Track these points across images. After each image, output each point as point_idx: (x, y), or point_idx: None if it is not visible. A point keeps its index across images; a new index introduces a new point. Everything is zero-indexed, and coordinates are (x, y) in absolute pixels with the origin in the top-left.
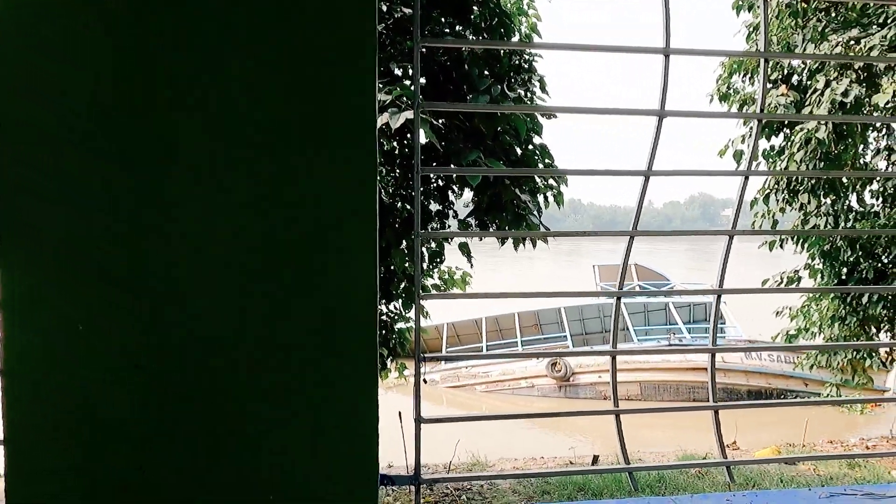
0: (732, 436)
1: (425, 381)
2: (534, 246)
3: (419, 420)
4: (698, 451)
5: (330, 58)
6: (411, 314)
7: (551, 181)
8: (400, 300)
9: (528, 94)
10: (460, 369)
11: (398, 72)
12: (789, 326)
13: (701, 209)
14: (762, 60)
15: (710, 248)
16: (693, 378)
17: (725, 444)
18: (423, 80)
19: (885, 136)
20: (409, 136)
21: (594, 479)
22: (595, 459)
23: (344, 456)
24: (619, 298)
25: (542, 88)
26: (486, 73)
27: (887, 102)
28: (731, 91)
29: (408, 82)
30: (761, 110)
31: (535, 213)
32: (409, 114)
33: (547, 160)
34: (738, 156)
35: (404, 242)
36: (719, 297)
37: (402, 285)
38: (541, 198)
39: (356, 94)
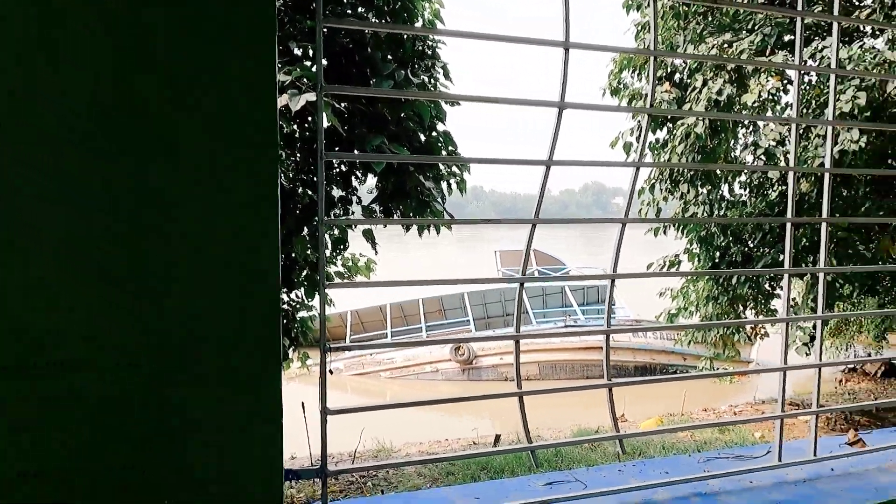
0: (621, 409)
1: (331, 372)
2: (437, 232)
3: (325, 412)
4: (591, 424)
5: (231, 48)
6: (314, 302)
7: (454, 168)
8: (302, 288)
9: (432, 81)
10: (364, 356)
11: (297, 51)
12: (671, 306)
13: (594, 196)
14: (651, 58)
15: (599, 233)
16: (585, 357)
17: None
18: (324, 62)
19: (752, 133)
20: (309, 118)
21: (496, 458)
22: (497, 439)
23: (249, 452)
24: (522, 284)
25: (446, 75)
26: (389, 57)
27: (754, 101)
28: (622, 86)
29: (308, 63)
30: (650, 106)
31: (440, 199)
32: (309, 96)
33: (451, 147)
34: (627, 147)
35: (306, 229)
36: (613, 281)
37: (304, 273)
38: (444, 185)
39: (260, 81)
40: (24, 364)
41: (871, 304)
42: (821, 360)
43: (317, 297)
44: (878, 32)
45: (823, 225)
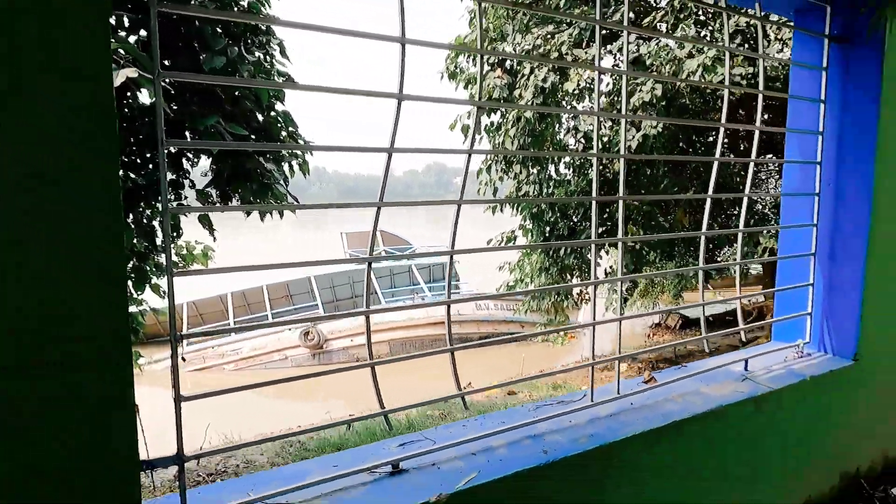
0: (468, 380)
1: (184, 360)
2: (281, 216)
3: (179, 399)
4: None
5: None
6: (144, 295)
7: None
8: (130, 280)
9: (268, 59)
10: (206, 350)
11: (111, 20)
12: (509, 279)
13: (436, 177)
14: (479, 56)
15: (442, 214)
16: (432, 332)
17: (462, 386)
18: (146, 34)
19: (573, 118)
20: (128, 94)
21: (351, 438)
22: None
23: (102, 445)
24: (370, 264)
25: (283, 53)
26: (220, 31)
27: (574, 89)
28: (458, 70)
29: (123, 33)
30: (483, 98)
31: (282, 181)
32: (129, 72)
33: (291, 128)
34: (465, 129)
35: (131, 216)
36: (452, 256)
37: (132, 263)
38: (286, 166)
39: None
40: (24, 364)
41: (671, 268)
42: (622, 314)
43: (147, 289)
44: (670, 32)
45: (621, 202)
